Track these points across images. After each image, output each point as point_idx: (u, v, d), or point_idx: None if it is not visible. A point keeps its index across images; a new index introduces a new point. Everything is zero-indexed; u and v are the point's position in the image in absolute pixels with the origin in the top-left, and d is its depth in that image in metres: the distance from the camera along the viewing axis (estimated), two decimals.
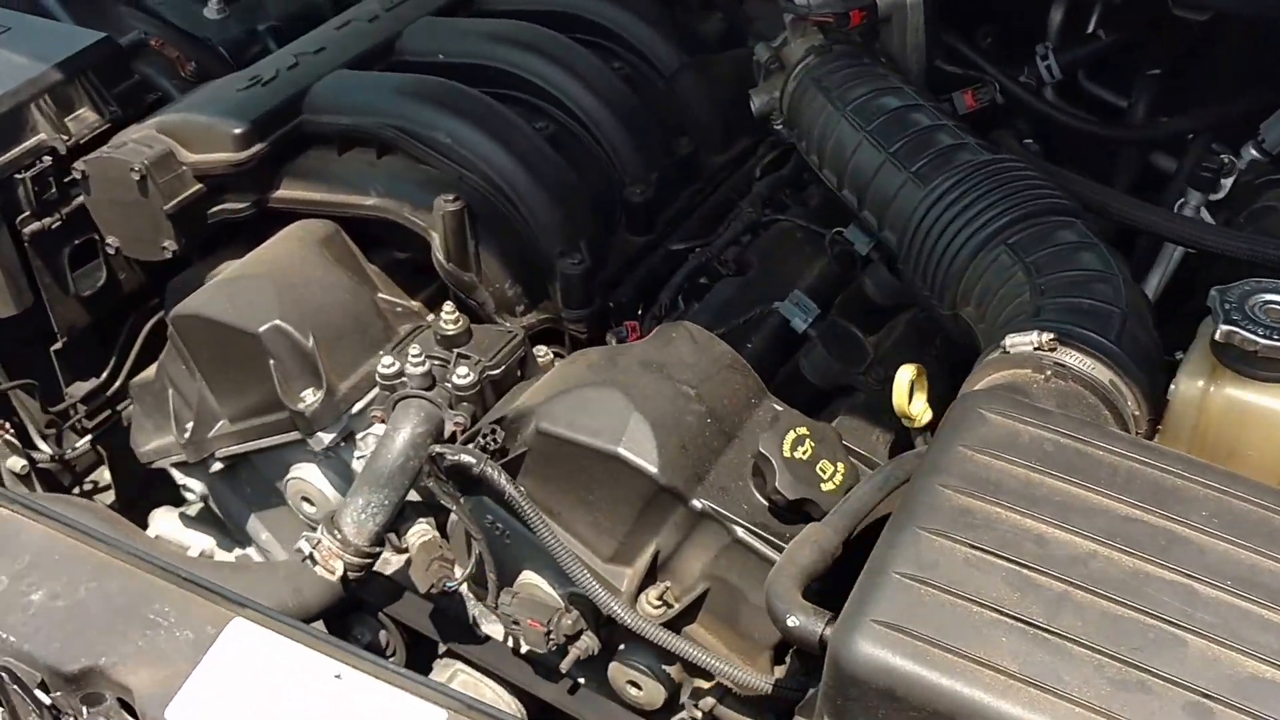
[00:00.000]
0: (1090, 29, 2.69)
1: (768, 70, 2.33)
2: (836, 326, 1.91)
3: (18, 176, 2.21)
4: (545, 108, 2.17)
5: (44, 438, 2.53)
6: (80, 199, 2.28)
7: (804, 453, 1.61)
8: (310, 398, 1.85)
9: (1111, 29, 2.64)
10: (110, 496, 2.70)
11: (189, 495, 2.23)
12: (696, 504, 1.61)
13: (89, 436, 2.56)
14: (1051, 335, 1.49)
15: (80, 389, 2.52)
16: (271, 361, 1.86)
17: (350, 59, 2.23)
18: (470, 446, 1.68)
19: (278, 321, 1.85)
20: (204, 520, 2.40)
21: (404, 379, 1.80)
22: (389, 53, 2.30)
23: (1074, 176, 2.06)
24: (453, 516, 1.87)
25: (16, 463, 2.51)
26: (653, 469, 1.59)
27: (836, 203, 2.25)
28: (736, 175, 2.39)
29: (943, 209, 1.81)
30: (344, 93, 2.13)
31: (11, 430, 2.54)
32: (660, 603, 1.69)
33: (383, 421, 1.84)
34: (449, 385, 1.79)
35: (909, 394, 1.65)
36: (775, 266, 2.13)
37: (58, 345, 2.42)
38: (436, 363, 1.81)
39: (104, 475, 2.73)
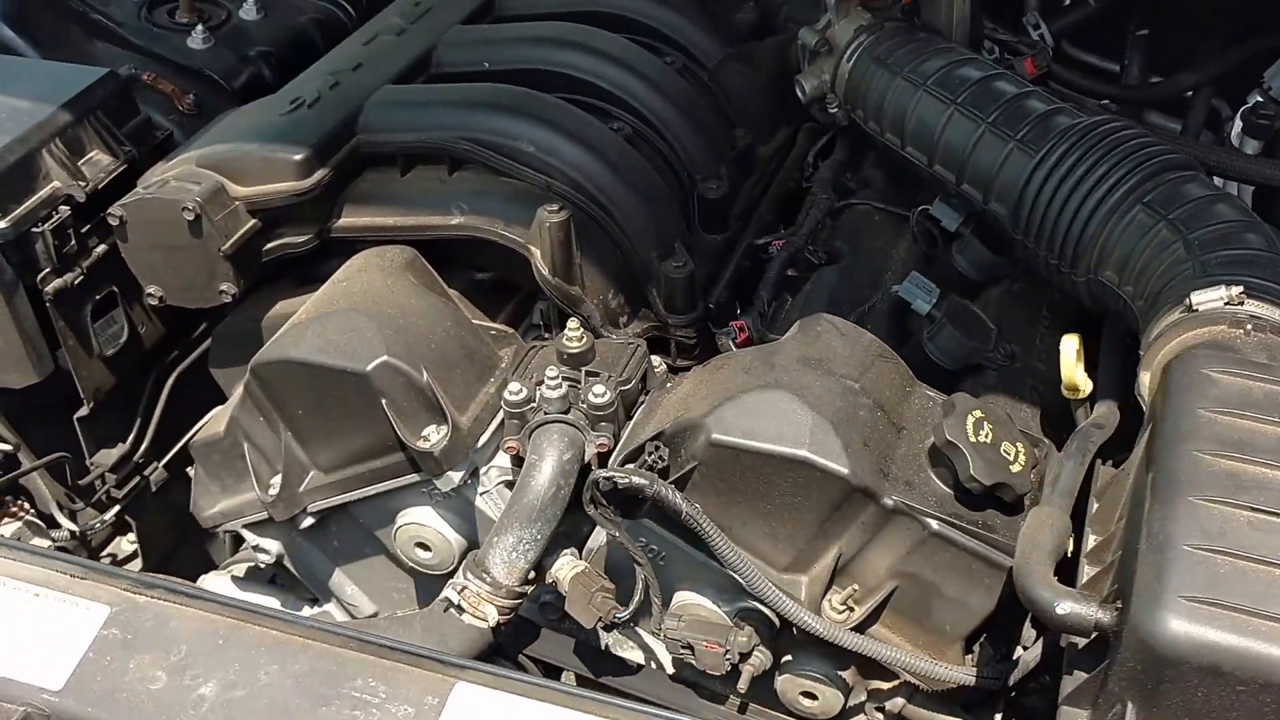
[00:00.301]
0: None
1: (814, 54, 2.28)
2: (956, 305, 1.87)
3: (35, 230, 2.01)
4: (609, 109, 2.07)
5: (61, 510, 2.31)
6: (99, 250, 2.10)
7: (986, 436, 1.56)
8: (434, 436, 1.71)
9: None
10: (137, 565, 2.50)
11: (263, 557, 2.05)
12: (888, 501, 1.54)
13: (118, 507, 2.35)
14: (1240, 289, 1.47)
15: (108, 457, 2.31)
16: (384, 401, 1.71)
17: (393, 74, 2.09)
18: (633, 467, 1.58)
19: (385, 358, 1.71)
20: (255, 580, 2.23)
21: (533, 404, 1.69)
22: (427, 65, 2.17)
23: (1165, 131, 2.06)
24: (590, 544, 1.77)
25: (41, 544, 2.29)
26: (844, 470, 1.52)
27: (901, 180, 2.22)
28: (789, 163, 2.34)
29: (1062, 175, 1.78)
30: (403, 109, 1.98)
31: (32, 510, 2.33)
32: (844, 607, 1.62)
33: (512, 452, 1.73)
34: (584, 406, 1.69)
35: (1075, 364, 1.62)
36: (865, 251, 2.08)
37: (83, 412, 2.21)
38: (568, 384, 1.70)
39: (121, 546, 2.53)
